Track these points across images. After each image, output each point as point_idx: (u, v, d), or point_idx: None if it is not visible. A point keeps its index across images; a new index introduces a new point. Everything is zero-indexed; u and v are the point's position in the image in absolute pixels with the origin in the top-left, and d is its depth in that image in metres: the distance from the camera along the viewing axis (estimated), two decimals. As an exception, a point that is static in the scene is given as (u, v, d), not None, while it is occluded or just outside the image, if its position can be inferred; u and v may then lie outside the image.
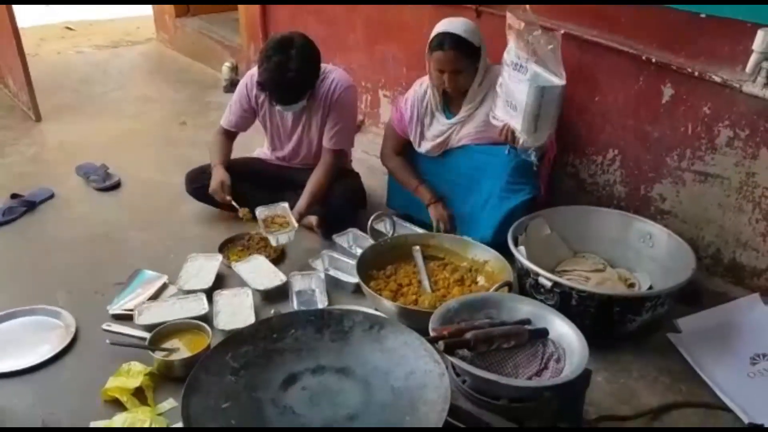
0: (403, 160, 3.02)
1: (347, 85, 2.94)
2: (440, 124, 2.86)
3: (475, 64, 2.71)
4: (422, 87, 2.89)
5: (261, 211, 2.83)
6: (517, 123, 2.53)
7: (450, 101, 2.85)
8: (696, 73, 2.49)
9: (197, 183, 3.07)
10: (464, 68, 2.68)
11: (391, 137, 3.05)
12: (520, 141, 2.56)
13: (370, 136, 3.96)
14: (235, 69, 4.87)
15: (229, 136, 3.10)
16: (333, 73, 2.94)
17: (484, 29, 2.74)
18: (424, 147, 2.92)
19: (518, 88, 2.48)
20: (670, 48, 2.57)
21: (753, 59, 2.28)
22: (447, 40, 2.63)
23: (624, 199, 2.92)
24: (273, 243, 2.77)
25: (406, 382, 1.71)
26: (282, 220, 2.82)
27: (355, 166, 3.31)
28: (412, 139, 2.95)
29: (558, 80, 2.45)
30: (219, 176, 2.92)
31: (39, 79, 4.30)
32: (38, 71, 4.44)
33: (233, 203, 2.90)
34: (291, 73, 2.69)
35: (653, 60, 2.60)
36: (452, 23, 2.67)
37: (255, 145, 3.32)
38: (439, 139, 2.86)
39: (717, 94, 2.49)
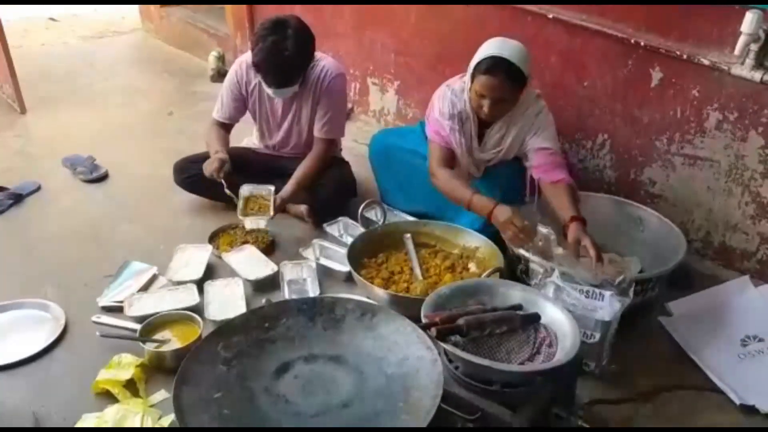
0: (451, 172, 2.64)
1: (337, 72, 2.92)
2: (472, 153, 2.69)
3: (519, 93, 2.49)
4: (451, 91, 2.61)
5: (245, 189, 2.83)
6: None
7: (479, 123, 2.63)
8: (685, 56, 2.49)
9: (186, 173, 3.05)
10: (508, 98, 2.46)
11: (435, 150, 2.68)
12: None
13: (359, 124, 3.95)
14: (221, 58, 4.82)
15: (224, 128, 3.06)
16: (323, 60, 2.92)
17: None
18: (470, 165, 2.71)
19: (594, 315, 2.11)
20: (658, 31, 2.57)
21: (741, 41, 2.29)
22: (499, 65, 2.38)
23: (614, 183, 2.92)
24: (246, 226, 2.79)
25: (399, 368, 1.71)
26: (264, 202, 2.81)
27: (345, 154, 3.29)
28: (460, 151, 2.66)
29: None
30: (220, 155, 2.83)
31: (24, 72, 4.24)
32: (23, 63, 4.37)
33: (225, 188, 2.81)
34: (287, 51, 2.67)
35: (642, 43, 2.59)
36: (505, 46, 2.42)
37: (243, 135, 3.30)
38: (473, 168, 2.72)
39: (706, 77, 2.49)
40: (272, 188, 2.85)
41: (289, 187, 2.87)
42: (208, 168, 2.83)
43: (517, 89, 2.46)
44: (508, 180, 2.67)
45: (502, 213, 2.38)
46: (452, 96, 2.61)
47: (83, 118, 4.16)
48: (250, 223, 2.77)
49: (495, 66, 2.39)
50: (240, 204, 2.78)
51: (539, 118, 2.57)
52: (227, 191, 2.82)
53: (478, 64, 2.44)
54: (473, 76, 2.47)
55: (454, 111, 2.60)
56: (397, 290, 2.42)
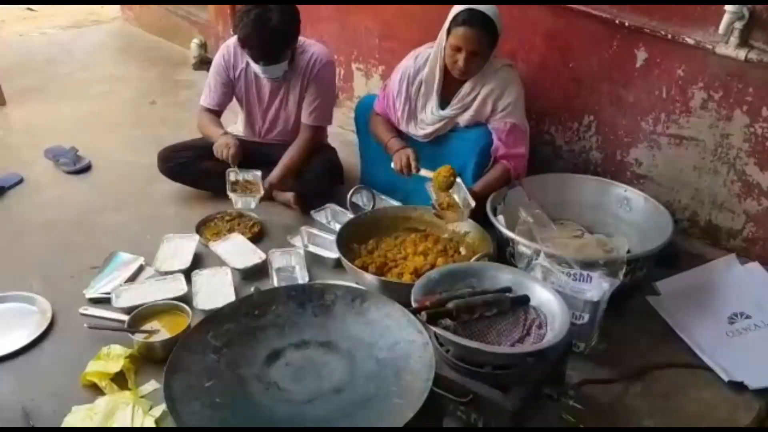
0: (382, 119, 2.87)
1: (327, 60, 2.91)
2: (433, 113, 2.72)
3: (491, 51, 2.57)
4: (417, 61, 2.73)
5: (232, 172, 2.80)
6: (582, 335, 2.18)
7: (444, 86, 2.70)
8: (669, 36, 2.49)
9: (170, 162, 3.02)
10: (482, 52, 2.53)
11: (375, 109, 2.92)
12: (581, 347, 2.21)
13: (344, 110, 3.92)
14: (203, 46, 4.77)
15: (214, 115, 3.03)
16: (313, 47, 2.90)
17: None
18: (412, 130, 2.79)
19: (582, 296, 2.12)
20: (642, 11, 2.56)
21: (725, 19, 2.29)
22: (477, 17, 2.47)
23: (600, 164, 2.92)
24: (235, 206, 2.78)
25: (390, 353, 1.71)
26: (252, 186, 2.79)
27: (330, 140, 3.27)
28: (398, 116, 2.80)
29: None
30: (232, 140, 2.83)
31: (2, 63, 4.20)
32: (1, 54, 4.32)
33: (234, 167, 2.81)
34: (272, 22, 2.63)
35: (626, 23, 2.59)
36: (479, 4, 2.51)
37: (227, 123, 3.27)
38: (430, 128, 2.74)
39: (690, 56, 2.49)
40: (259, 173, 2.84)
41: (276, 173, 2.86)
42: (224, 151, 2.80)
43: (491, 44, 2.55)
44: (484, 137, 2.68)
45: (405, 151, 2.69)
46: (413, 60, 2.75)
47: (64, 108, 4.11)
48: (241, 203, 2.75)
49: (472, 18, 2.48)
50: (228, 185, 2.76)
51: (510, 88, 2.63)
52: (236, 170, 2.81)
53: (456, 16, 2.52)
54: (449, 30, 2.54)
55: (405, 74, 2.74)
56: (390, 276, 2.41)
